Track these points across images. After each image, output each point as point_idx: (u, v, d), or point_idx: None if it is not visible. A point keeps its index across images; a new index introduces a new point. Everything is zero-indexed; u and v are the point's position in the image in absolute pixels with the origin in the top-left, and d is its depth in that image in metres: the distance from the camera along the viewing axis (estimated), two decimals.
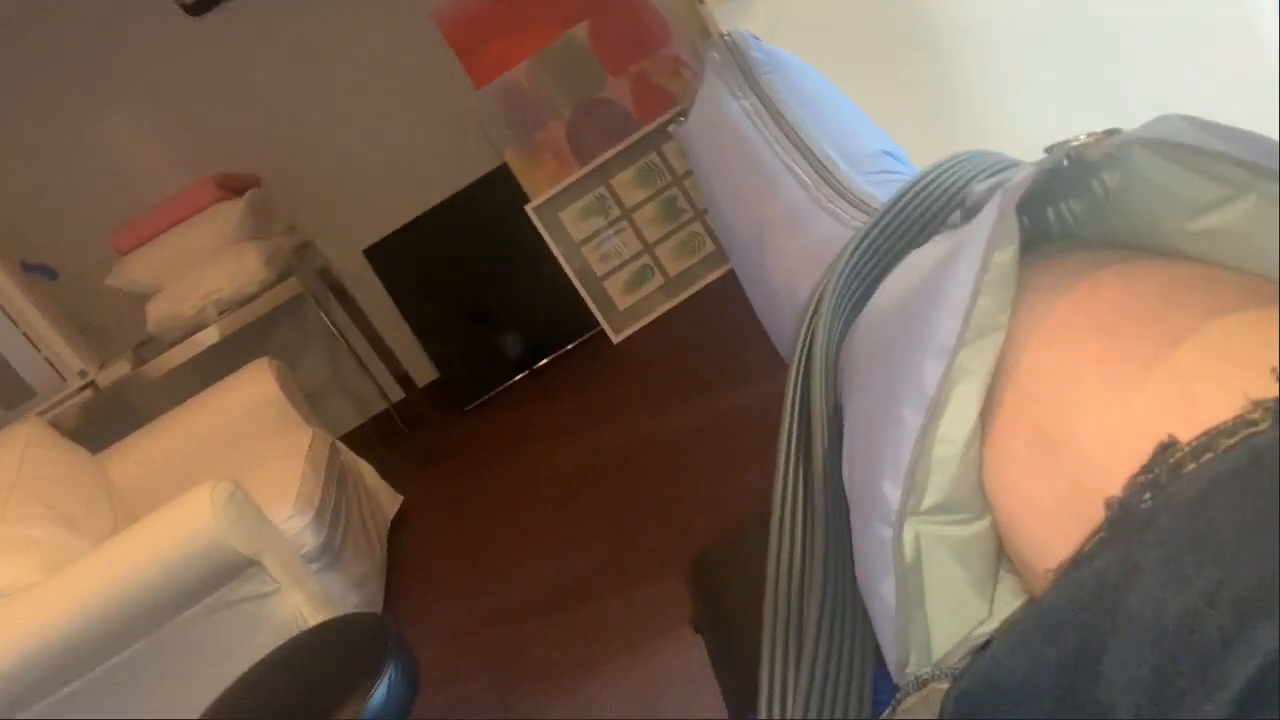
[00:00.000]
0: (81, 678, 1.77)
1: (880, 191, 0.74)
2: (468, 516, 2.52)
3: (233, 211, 2.76)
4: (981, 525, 0.39)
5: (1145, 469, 0.30)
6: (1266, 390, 0.30)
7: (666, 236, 3.00)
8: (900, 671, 0.40)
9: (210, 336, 2.78)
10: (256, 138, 3.13)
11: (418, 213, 3.04)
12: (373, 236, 3.05)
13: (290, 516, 1.99)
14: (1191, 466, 0.29)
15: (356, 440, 3.06)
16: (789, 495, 0.51)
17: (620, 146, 2.94)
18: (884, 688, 0.41)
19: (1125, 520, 0.30)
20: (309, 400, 2.71)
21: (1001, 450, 0.39)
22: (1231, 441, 0.29)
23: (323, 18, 3.09)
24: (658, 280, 3.01)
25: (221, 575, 1.79)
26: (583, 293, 2.97)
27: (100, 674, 1.79)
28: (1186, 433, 0.30)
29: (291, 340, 3.23)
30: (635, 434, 2.49)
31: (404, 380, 3.28)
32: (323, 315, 2.94)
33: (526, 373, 3.10)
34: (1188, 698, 0.26)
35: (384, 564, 2.32)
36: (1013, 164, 0.58)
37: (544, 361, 3.10)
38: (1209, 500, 0.28)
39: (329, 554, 2.04)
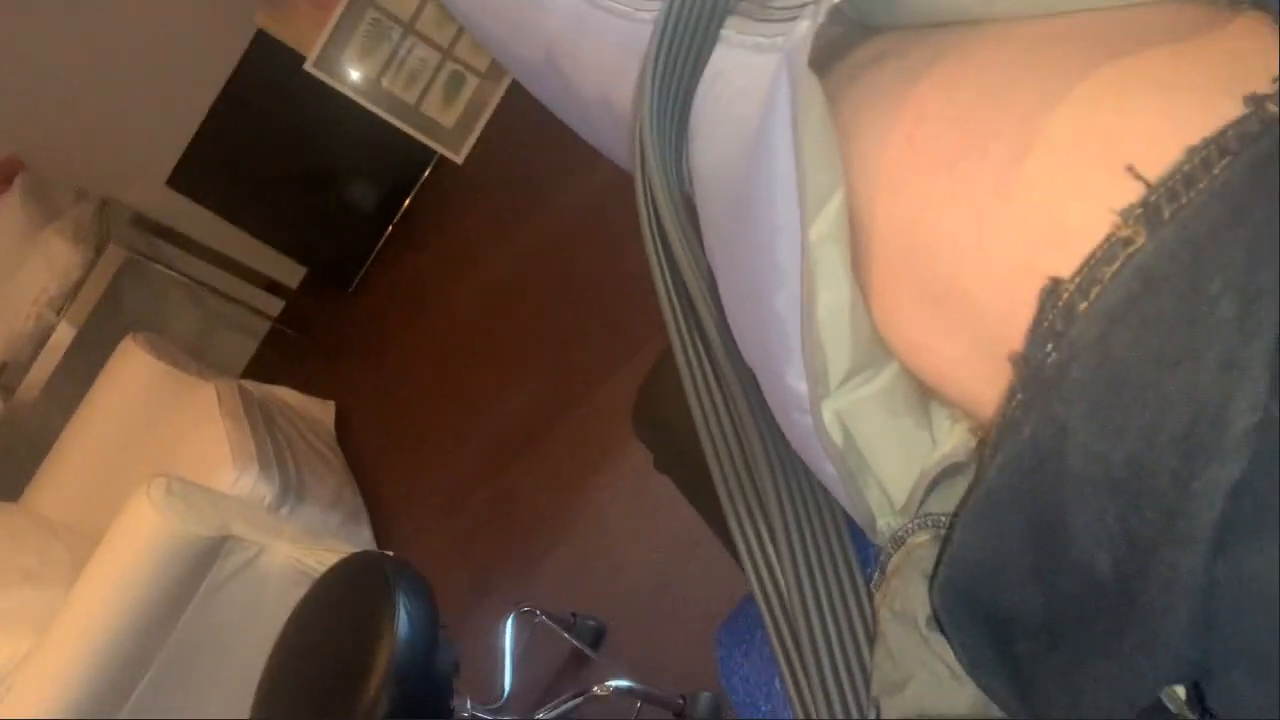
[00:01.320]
0: (127, 703, 1.79)
1: None
2: (402, 393, 2.50)
3: (10, 206, 2.51)
4: (891, 370, 0.38)
5: (1038, 317, 0.29)
6: (1127, 193, 0.28)
7: (461, 32, 2.79)
8: (872, 530, 0.40)
9: (65, 336, 2.61)
10: None
11: (199, 120, 2.79)
12: (167, 164, 2.81)
13: (236, 478, 1.95)
14: (1083, 305, 0.28)
15: (259, 370, 2.97)
16: (698, 372, 0.49)
17: None
18: (862, 543, 0.41)
19: (1037, 377, 0.29)
20: (193, 355, 2.60)
21: (890, 309, 0.37)
22: (1114, 268, 0.27)
23: None
24: (472, 81, 2.84)
25: (201, 563, 1.78)
26: (405, 128, 2.80)
27: (142, 692, 1.81)
28: (1067, 262, 0.29)
29: (146, 301, 3.04)
30: (520, 250, 2.44)
31: (275, 289, 3.14)
32: (160, 267, 2.76)
33: (390, 229, 2.97)
34: (1161, 548, 0.26)
35: (348, 473, 2.32)
36: None
37: (400, 213, 2.97)
38: (1112, 338, 0.27)
39: (291, 492, 2.02)
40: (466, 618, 1.70)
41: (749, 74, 0.42)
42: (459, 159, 2.82)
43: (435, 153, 2.85)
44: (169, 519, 1.70)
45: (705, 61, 0.57)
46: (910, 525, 0.39)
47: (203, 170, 2.85)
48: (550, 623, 1.48)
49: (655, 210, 0.52)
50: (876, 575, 0.39)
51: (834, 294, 0.36)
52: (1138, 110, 0.30)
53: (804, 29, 0.35)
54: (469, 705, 1.29)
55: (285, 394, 2.51)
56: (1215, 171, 0.27)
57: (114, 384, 2.33)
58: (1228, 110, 0.28)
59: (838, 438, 0.38)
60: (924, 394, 0.40)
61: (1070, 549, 0.29)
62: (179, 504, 1.73)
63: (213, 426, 2.11)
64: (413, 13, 2.74)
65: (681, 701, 1.32)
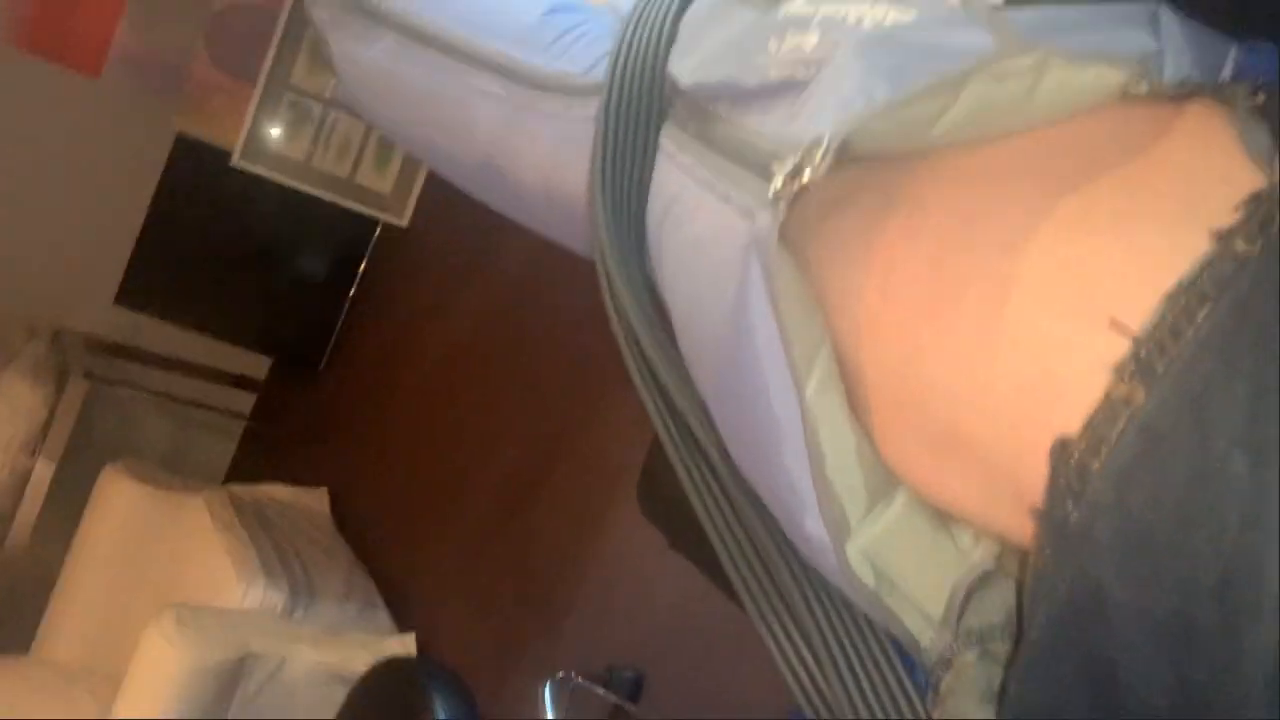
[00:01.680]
0: None
1: (572, 61, 0.66)
2: (390, 464, 2.48)
3: None
4: (904, 495, 0.38)
5: (1053, 475, 0.29)
6: (1115, 346, 0.28)
7: None
8: (916, 650, 0.39)
9: (44, 474, 2.56)
10: None
11: (135, 233, 2.76)
12: (111, 283, 2.77)
13: (245, 592, 1.93)
14: (1096, 465, 0.28)
15: (244, 470, 2.93)
16: (705, 493, 0.48)
17: (275, 42, 2.64)
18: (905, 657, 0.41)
19: (1062, 533, 0.28)
20: (174, 469, 2.57)
21: (895, 449, 0.37)
22: (1119, 428, 0.27)
23: None
24: None
25: (226, 687, 1.75)
26: (343, 203, 2.78)
27: None
28: (1068, 414, 0.29)
29: (118, 425, 3.00)
30: (481, 300, 2.42)
31: (244, 384, 3.11)
32: (124, 389, 2.72)
33: (349, 302, 2.95)
34: (1216, 703, 0.26)
35: (354, 558, 2.29)
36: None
37: (356, 284, 2.95)
38: (1129, 498, 0.27)
39: (302, 594, 2.00)
40: (501, 689, 1.69)
41: (712, 221, 0.41)
42: (403, 222, 2.80)
43: (377, 224, 2.83)
44: (185, 651, 1.68)
45: (650, 167, 0.56)
46: (956, 645, 0.38)
47: (148, 282, 2.81)
48: (587, 684, 1.47)
49: (637, 343, 0.51)
50: (930, 695, 0.39)
51: (839, 443, 0.36)
52: (1102, 250, 0.30)
53: (767, 223, 0.34)
54: None
55: (275, 491, 2.48)
56: (1199, 320, 0.27)
57: (102, 517, 2.29)
58: (1191, 242, 0.28)
59: (867, 576, 0.37)
60: (935, 511, 0.39)
61: (1127, 698, 0.28)
62: (192, 633, 1.71)
63: (210, 542, 2.08)
64: (331, 86, 2.72)
65: None
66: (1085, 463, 0.28)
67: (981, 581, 0.39)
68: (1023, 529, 0.35)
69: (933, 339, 0.33)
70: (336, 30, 0.79)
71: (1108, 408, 0.28)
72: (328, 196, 2.73)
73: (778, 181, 0.34)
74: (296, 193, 2.70)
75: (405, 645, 1.98)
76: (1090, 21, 0.35)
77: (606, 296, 0.53)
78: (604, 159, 0.57)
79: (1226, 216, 0.29)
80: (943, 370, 0.33)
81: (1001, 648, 0.38)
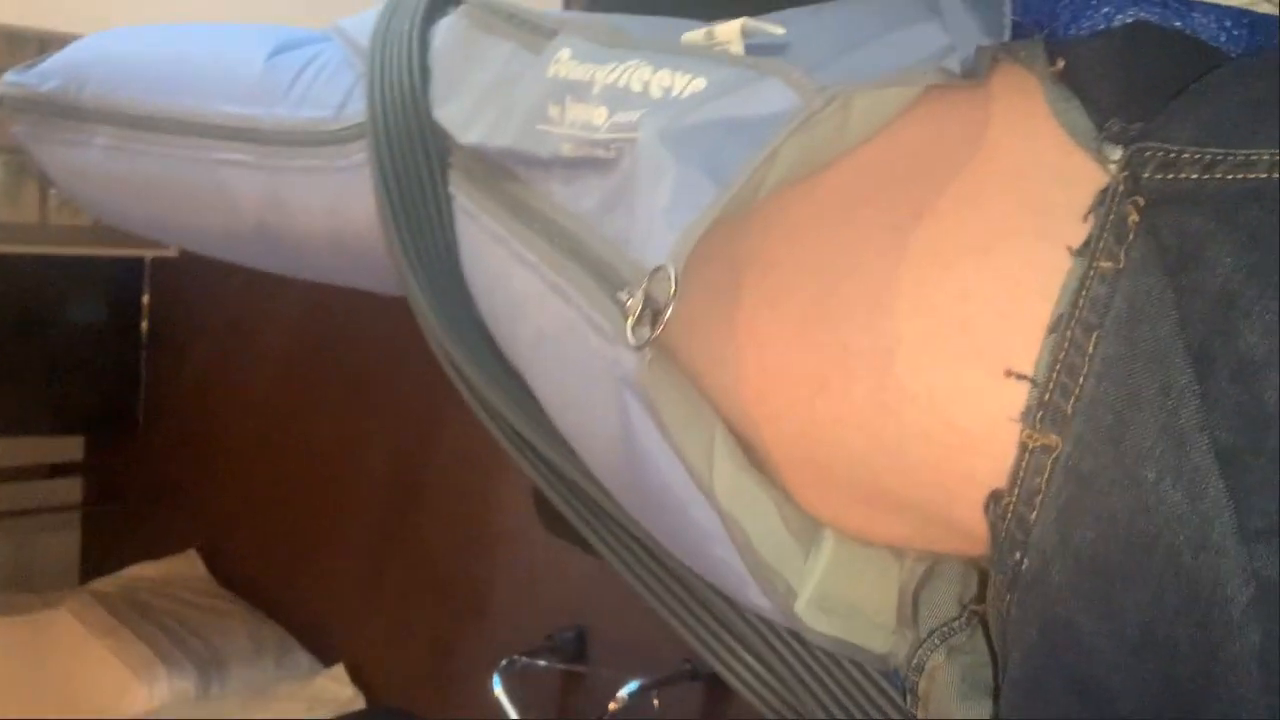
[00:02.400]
0: None
1: (318, 104, 0.61)
2: (256, 500, 2.36)
3: None
4: (830, 533, 0.37)
5: (993, 528, 0.28)
6: (1014, 392, 0.27)
7: None
8: (886, 663, 0.39)
9: None
10: None
11: None
12: None
13: (150, 691, 1.82)
14: (1032, 515, 0.27)
15: (98, 562, 2.73)
16: (624, 555, 0.46)
17: None
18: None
19: (1019, 580, 0.28)
20: (27, 584, 2.37)
21: (821, 507, 0.36)
22: (1046, 476, 0.27)
23: None
24: None
25: None
26: (98, 251, 2.54)
27: None
28: (989, 465, 0.28)
29: None
30: (294, 309, 2.29)
31: (63, 471, 2.87)
32: None
33: (144, 351, 2.74)
34: (1209, 704, 0.26)
35: (251, 610, 2.19)
36: None
37: (146, 332, 2.73)
38: (1075, 539, 0.27)
39: (211, 667, 1.91)
40: (450, 694, 1.68)
41: (556, 319, 0.38)
42: (172, 251, 2.59)
43: (144, 258, 2.61)
44: None
45: (449, 224, 0.52)
46: (923, 652, 0.38)
47: None
48: (531, 660, 1.47)
49: (510, 426, 0.48)
50: (910, 699, 0.39)
51: (760, 519, 0.35)
52: (970, 289, 0.29)
53: (636, 368, 0.32)
54: None
55: (141, 570, 2.33)
56: (1090, 351, 0.26)
57: None
58: (1051, 260, 0.27)
59: (821, 623, 0.37)
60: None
61: (1120, 703, 0.29)
62: None
63: (93, 652, 1.95)
64: None
65: (688, 665, 1.35)
66: (1022, 513, 0.28)
67: (925, 580, 0.39)
68: (964, 548, 0.35)
69: (828, 409, 0.32)
70: (41, 142, 0.69)
71: (1029, 458, 0.27)
72: (78, 251, 2.49)
73: (636, 332, 0.31)
74: (44, 257, 2.45)
75: (337, 679, 1.93)
76: (876, 33, 0.33)
77: (463, 390, 0.50)
78: (395, 222, 0.53)
79: (1074, 224, 0.28)
80: (848, 436, 0.32)
81: (964, 638, 0.39)
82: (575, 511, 0.47)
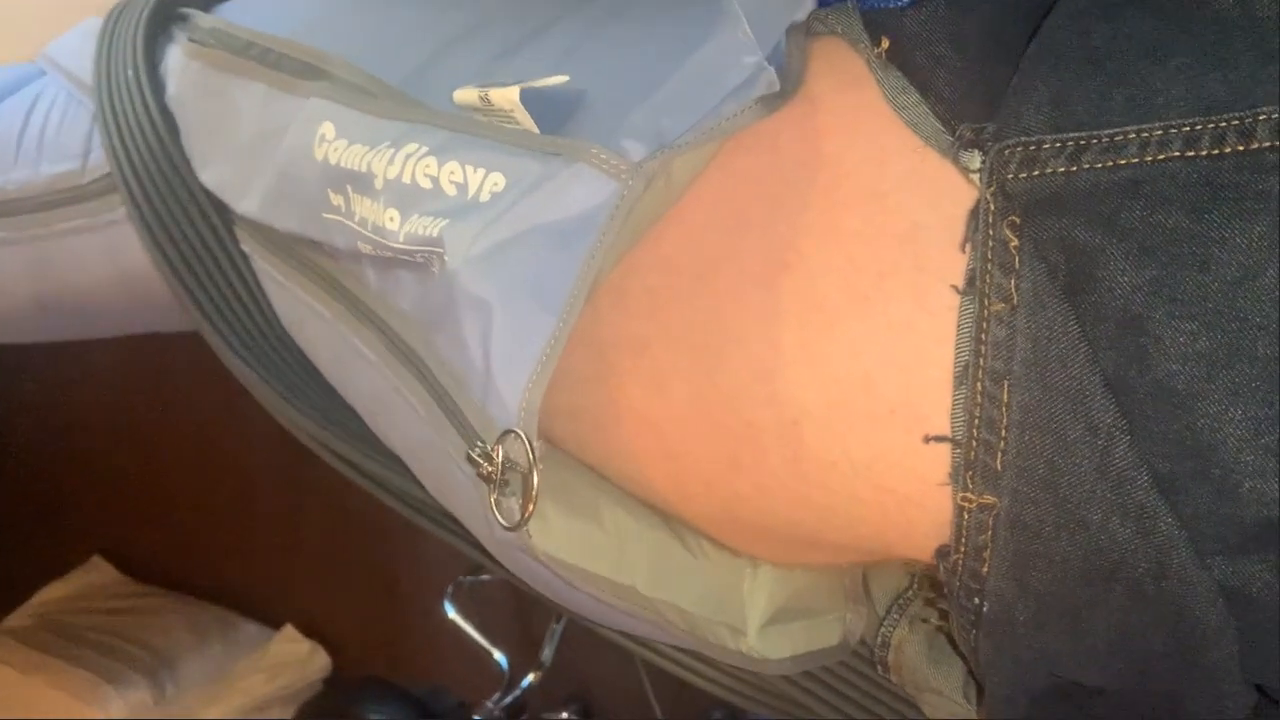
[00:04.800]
0: None
1: (63, 154, 0.53)
2: (147, 491, 2.25)
3: None
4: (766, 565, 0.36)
5: (946, 579, 0.27)
6: (938, 454, 0.24)
7: None
8: (848, 649, 0.39)
9: None
10: None
11: None
12: None
13: (105, 713, 1.78)
14: (984, 569, 0.26)
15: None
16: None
17: None
18: None
19: (981, 620, 0.27)
20: None
21: (755, 550, 0.34)
22: (989, 534, 0.25)
23: None
24: None
25: None
26: None
27: None
28: (927, 521, 0.26)
29: None
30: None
31: None
32: None
33: None
34: (1191, 698, 0.26)
35: (179, 597, 2.13)
36: None
37: None
38: (1031, 583, 0.26)
39: (161, 670, 1.88)
40: (404, 625, 1.68)
41: (419, 436, 0.34)
42: None
43: None
44: None
45: (254, 289, 0.46)
46: (885, 629, 0.38)
47: None
48: (477, 577, 1.48)
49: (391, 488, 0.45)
50: (882, 671, 0.39)
51: (695, 588, 0.33)
52: (860, 346, 0.26)
53: (518, 540, 0.28)
54: (490, 706, 1.31)
55: (49, 593, 2.23)
56: (1005, 400, 0.24)
57: None
58: (937, 298, 0.25)
59: (782, 648, 0.36)
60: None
61: (1098, 696, 0.29)
62: None
63: (30, 693, 1.88)
64: None
65: None
66: (973, 567, 0.26)
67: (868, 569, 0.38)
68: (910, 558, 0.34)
69: (747, 484, 0.29)
70: None
71: (968, 518, 0.26)
72: None
73: (503, 509, 0.28)
74: None
75: (290, 639, 1.91)
76: (673, 59, 0.28)
77: (357, 479, 0.45)
78: (183, 286, 0.46)
79: (950, 250, 0.25)
80: (775, 506, 0.30)
81: (919, 605, 0.38)
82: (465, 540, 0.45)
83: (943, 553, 0.27)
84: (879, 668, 0.39)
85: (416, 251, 0.30)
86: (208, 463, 2.08)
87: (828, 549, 0.32)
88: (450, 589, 1.49)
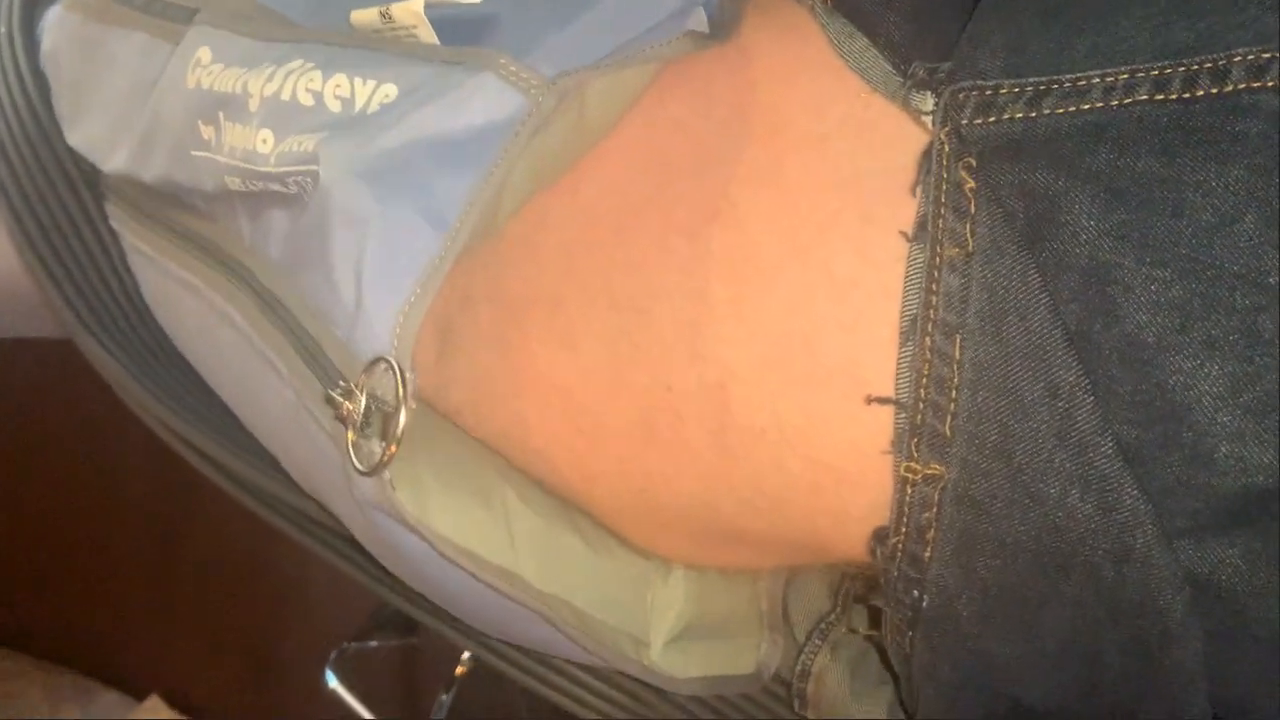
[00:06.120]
0: None
1: None
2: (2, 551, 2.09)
3: None
4: (679, 568, 0.32)
5: (884, 568, 0.24)
6: (880, 418, 0.22)
7: None
8: (758, 680, 0.35)
9: None
10: None
11: None
12: None
13: None
14: (927, 553, 0.23)
15: None
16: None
17: None
18: None
19: (919, 617, 0.24)
20: None
21: (668, 550, 0.31)
22: (934, 511, 0.22)
23: None
24: None
25: None
26: None
27: None
28: (862, 498, 0.24)
29: None
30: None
31: None
32: None
33: None
34: (1149, 701, 0.24)
35: (35, 662, 1.97)
36: None
37: None
38: (978, 569, 0.23)
39: None
40: (280, 696, 1.57)
41: (274, 396, 0.30)
42: None
43: None
44: None
45: (118, 263, 0.42)
46: (805, 657, 0.35)
47: None
48: (362, 644, 1.40)
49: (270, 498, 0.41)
50: (799, 704, 0.36)
51: (591, 588, 0.29)
52: (798, 301, 0.24)
53: (377, 493, 0.25)
54: None
55: None
56: (958, 357, 0.22)
57: None
58: (884, 248, 0.23)
59: (689, 667, 0.32)
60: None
61: (1038, 714, 0.26)
62: None
63: None
64: None
65: None
66: (914, 552, 0.24)
67: (790, 580, 0.35)
68: (844, 560, 0.31)
69: (661, 462, 0.26)
70: None
71: (912, 492, 0.23)
72: None
73: (361, 453, 0.25)
74: None
75: (153, 710, 1.77)
76: (608, 10, 0.26)
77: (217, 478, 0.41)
78: (47, 274, 0.42)
79: (899, 198, 0.23)
80: (692, 487, 0.27)
81: (842, 630, 0.35)
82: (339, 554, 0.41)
83: (880, 536, 0.24)
84: (796, 703, 0.36)
85: (289, 175, 0.27)
86: (69, 511, 1.95)
87: (749, 544, 0.29)
88: (333, 655, 1.40)
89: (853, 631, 0.34)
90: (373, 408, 0.24)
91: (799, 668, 0.34)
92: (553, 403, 0.27)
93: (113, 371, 0.42)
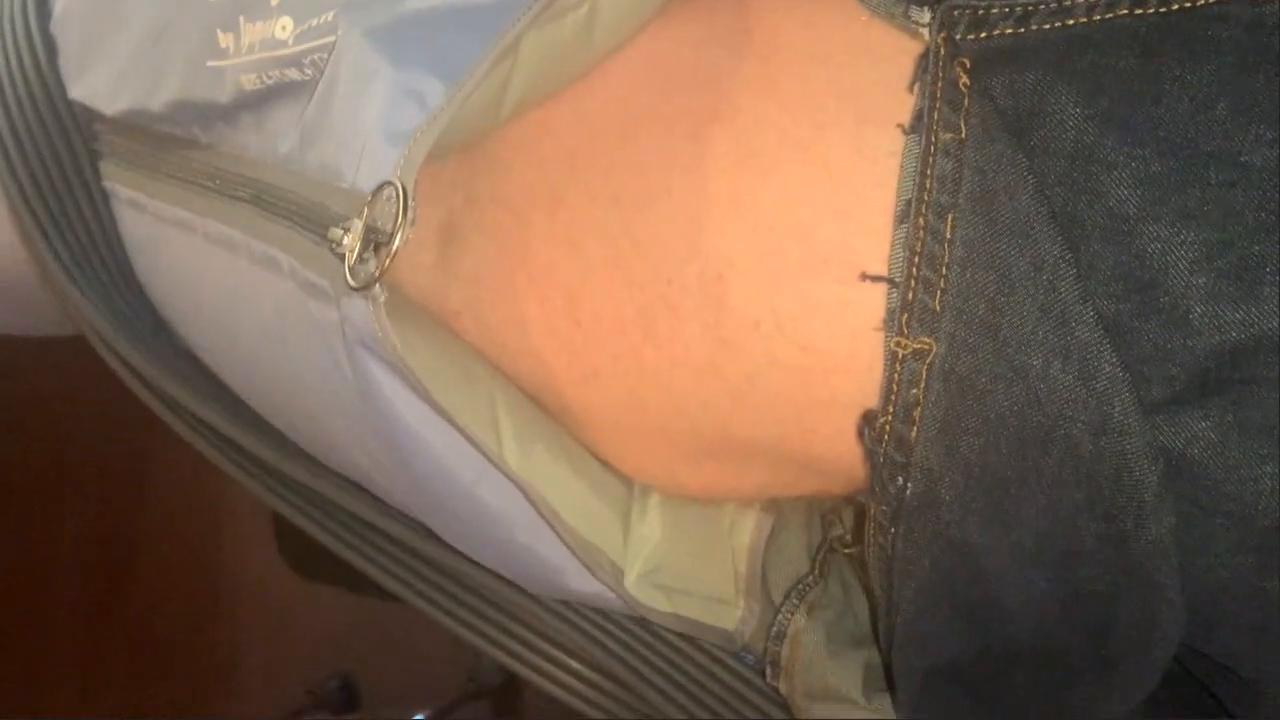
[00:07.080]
0: None
1: None
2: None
3: None
4: (655, 498, 0.32)
5: (869, 452, 0.25)
6: (871, 297, 0.23)
7: None
8: (731, 640, 0.35)
9: None
10: None
11: None
12: None
13: None
14: (912, 432, 0.24)
15: None
16: (396, 568, 0.40)
17: None
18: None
19: (902, 508, 0.25)
20: None
21: (649, 470, 0.31)
22: (922, 386, 0.23)
23: None
24: None
25: None
26: None
27: None
28: (852, 384, 0.25)
29: None
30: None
31: None
32: None
33: None
34: (1123, 595, 0.24)
35: None
36: None
37: None
38: (961, 449, 0.24)
39: None
40: None
41: (259, 292, 0.30)
42: None
43: None
44: None
45: (108, 227, 0.42)
46: (782, 617, 0.34)
47: None
48: None
49: (233, 445, 0.40)
50: (771, 670, 0.35)
51: (570, 493, 0.29)
52: (795, 193, 0.25)
53: (367, 317, 0.25)
54: None
55: None
56: (949, 235, 0.23)
57: None
58: (881, 143, 0.24)
59: (656, 600, 0.32)
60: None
61: (1010, 623, 0.26)
62: None
63: None
64: None
65: (472, 684, 1.27)
66: (900, 432, 0.24)
67: (770, 540, 0.35)
68: (821, 488, 0.31)
69: (657, 356, 0.27)
70: None
71: (900, 368, 0.24)
72: None
73: (356, 272, 0.24)
74: None
75: None
76: None
77: (166, 414, 0.40)
78: (46, 242, 0.42)
79: (896, 101, 0.25)
80: (685, 384, 0.27)
81: (819, 592, 0.35)
82: (322, 526, 0.40)
83: (869, 419, 0.25)
84: (768, 671, 0.35)
85: (306, 54, 0.28)
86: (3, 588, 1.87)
87: (734, 454, 0.29)
88: None
89: (833, 550, 0.34)
90: (371, 240, 0.24)
91: (774, 629, 0.34)
92: (552, 298, 0.28)
93: (88, 315, 0.42)
